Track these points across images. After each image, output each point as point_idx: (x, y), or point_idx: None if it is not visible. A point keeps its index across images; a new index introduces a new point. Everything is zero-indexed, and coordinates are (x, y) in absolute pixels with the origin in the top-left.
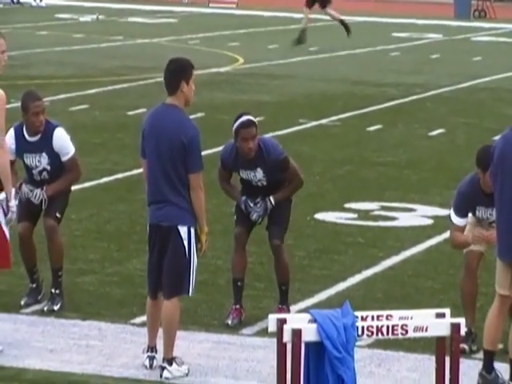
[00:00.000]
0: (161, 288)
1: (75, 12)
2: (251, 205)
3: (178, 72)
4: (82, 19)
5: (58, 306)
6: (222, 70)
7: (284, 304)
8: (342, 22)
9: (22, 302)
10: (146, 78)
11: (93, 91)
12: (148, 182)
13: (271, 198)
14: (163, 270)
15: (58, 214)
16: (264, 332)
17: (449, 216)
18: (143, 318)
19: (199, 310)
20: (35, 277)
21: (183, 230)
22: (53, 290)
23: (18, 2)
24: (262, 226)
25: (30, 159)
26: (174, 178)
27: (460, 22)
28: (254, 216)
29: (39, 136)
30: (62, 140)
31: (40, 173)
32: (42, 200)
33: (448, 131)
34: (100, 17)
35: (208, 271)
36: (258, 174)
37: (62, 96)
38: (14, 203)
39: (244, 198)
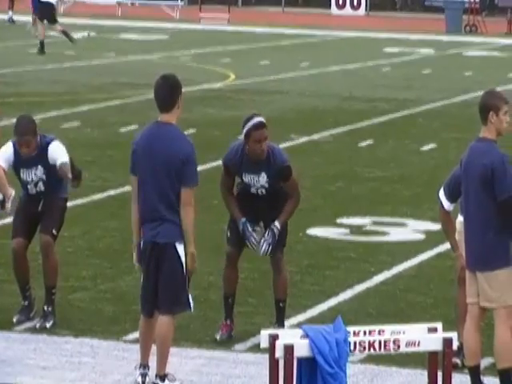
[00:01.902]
0: (157, 306)
1: (66, 29)
2: (249, 229)
3: (175, 88)
4: (75, 36)
5: (51, 323)
6: (214, 86)
7: (280, 322)
8: (65, 34)
9: (14, 320)
10: (138, 94)
11: (84, 108)
12: (141, 200)
13: (276, 224)
14: (160, 287)
15: (54, 231)
16: (256, 348)
17: (437, 194)
18: (135, 335)
19: (192, 326)
20: (27, 294)
21: (180, 248)
22: (45, 308)
23: (12, 21)
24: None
25: (26, 174)
26: (170, 195)
27: (451, 36)
28: (264, 246)
29: (35, 152)
30: (57, 150)
31: (36, 185)
32: (39, 190)
33: (440, 146)
34: (91, 34)
35: (200, 287)
36: (262, 179)
37: (54, 113)
38: (12, 192)
39: (244, 220)
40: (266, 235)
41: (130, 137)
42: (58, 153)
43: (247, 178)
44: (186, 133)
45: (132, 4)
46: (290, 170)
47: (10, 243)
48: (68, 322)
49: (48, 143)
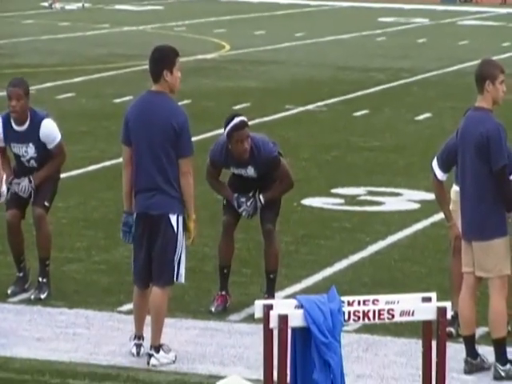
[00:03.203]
0: (151, 278)
1: (61, 0)
2: (243, 200)
3: (160, 61)
4: (68, 7)
5: (45, 294)
6: (208, 56)
7: (270, 293)
8: None
9: (9, 291)
10: (133, 65)
11: (79, 79)
12: (136, 169)
13: (261, 197)
14: (153, 258)
15: (46, 203)
16: (251, 318)
17: (430, 165)
18: (130, 306)
19: (186, 296)
20: (22, 265)
21: (173, 219)
22: (40, 279)
23: None
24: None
25: (17, 149)
26: (165, 165)
27: (446, 6)
28: (244, 213)
29: (26, 126)
30: (49, 130)
31: (28, 161)
32: (30, 193)
33: (435, 115)
34: (86, 5)
35: (195, 258)
36: (250, 171)
37: (49, 84)
38: (4, 188)
39: (236, 195)
40: (248, 204)
41: (124, 108)
42: (51, 133)
43: (235, 171)
44: (180, 103)
45: None
46: (277, 160)
47: (4, 215)
48: (62, 293)
49: (40, 120)
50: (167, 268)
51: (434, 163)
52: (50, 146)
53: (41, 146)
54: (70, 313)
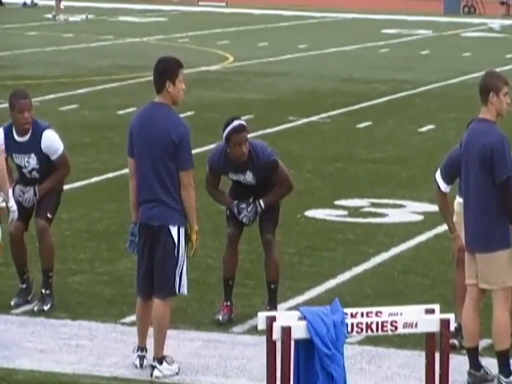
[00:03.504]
0: (153, 289)
1: (65, 12)
2: (243, 206)
3: (163, 72)
4: (71, 19)
5: (48, 306)
6: (212, 68)
7: (272, 305)
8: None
9: (12, 303)
10: (136, 77)
11: (83, 91)
12: (138, 181)
13: (261, 202)
14: (154, 270)
15: (49, 215)
16: (254, 330)
17: (434, 177)
18: (133, 318)
19: (189, 308)
20: (25, 277)
21: (174, 230)
22: (43, 291)
23: (1, 4)
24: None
25: (19, 159)
26: (165, 177)
27: (449, 17)
28: (244, 219)
29: (28, 137)
30: (50, 141)
31: (30, 172)
32: (33, 204)
33: (438, 127)
34: (89, 16)
35: (198, 269)
36: (248, 177)
37: (52, 96)
38: (12, 203)
39: (236, 202)
40: (248, 209)
41: (128, 119)
42: (52, 144)
43: (234, 177)
44: (184, 115)
45: None
46: (276, 164)
47: (7, 227)
48: (66, 304)
49: (41, 131)
50: (168, 279)
51: (438, 175)
52: (53, 158)
53: (43, 157)
54: (73, 324)
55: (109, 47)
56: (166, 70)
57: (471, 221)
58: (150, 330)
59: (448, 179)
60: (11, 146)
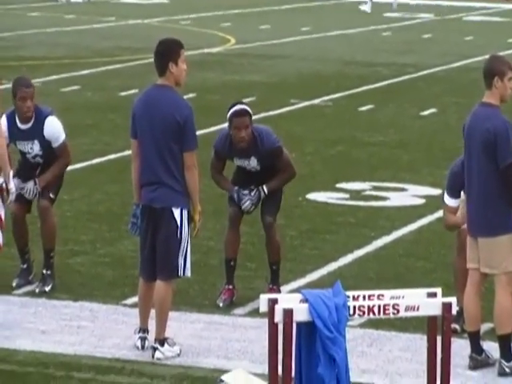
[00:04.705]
0: (156, 271)
1: None
2: (245, 192)
3: (165, 53)
4: (73, 0)
5: (50, 287)
6: (214, 50)
7: (275, 284)
8: None
9: (14, 284)
10: (138, 58)
11: (85, 72)
12: (141, 163)
13: (264, 188)
14: (157, 251)
15: (51, 195)
16: (255, 312)
17: (442, 198)
18: (135, 299)
19: (191, 290)
20: (26, 257)
21: (177, 212)
22: (44, 271)
23: None
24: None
25: (23, 146)
26: (168, 159)
27: (451, 1)
28: (247, 203)
29: (31, 123)
30: (54, 128)
31: (34, 157)
32: (35, 195)
33: (440, 111)
34: None
35: (200, 252)
36: (252, 162)
37: (54, 77)
38: (12, 185)
39: (236, 188)
40: (251, 194)
41: (130, 101)
42: (56, 131)
43: (238, 162)
44: (185, 97)
45: None
46: (280, 150)
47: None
48: (67, 286)
49: (44, 117)
50: (170, 261)
51: (446, 197)
52: (55, 145)
53: (46, 143)
54: (75, 305)
55: (111, 29)
56: (168, 51)
57: (474, 205)
58: (152, 312)
59: (455, 193)
60: (15, 133)
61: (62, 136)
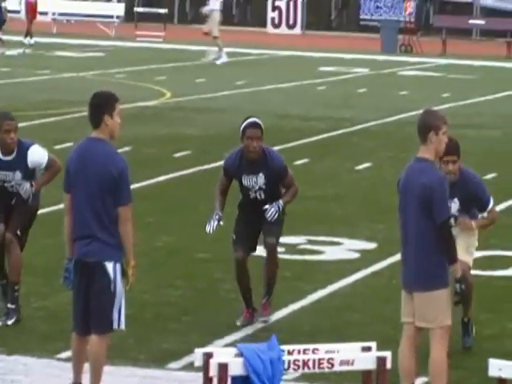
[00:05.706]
0: (89, 325)
1: (1, 46)
2: (217, 219)
3: (100, 106)
4: (8, 53)
5: (13, 320)
6: (149, 103)
7: (269, 296)
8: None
9: None
10: (73, 111)
11: (21, 125)
12: (74, 217)
13: (280, 201)
14: (91, 306)
15: (18, 232)
16: (190, 366)
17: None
18: (69, 353)
19: (125, 344)
20: None
21: (110, 266)
22: (9, 305)
23: None
24: (188, 257)
25: (3, 176)
26: (102, 213)
27: (387, 56)
28: (272, 210)
29: (14, 155)
30: (37, 154)
31: (12, 186)
32: (29, 195)
33: (375, 165)
34: (27, 51)
35: (135, 306)
36: (260, 180)
37: None
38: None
39: (219, 214)
40: (272, 204)
41: (65, 154)
42: (40, 157)
43: (246, 181)
44: (121, 150)
45: (67, 21)
46: (286, 169)
47: None
48: (1, 339)
49: (27, 148)
50: (105, 315)
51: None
52: (42, 167)
53: (28, 172)
54: (9, 359)
55: (46, 82)
56: (103, 103)
57: (410, 260)
58: (86, 366)
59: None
60: None
61: (46, 157)
